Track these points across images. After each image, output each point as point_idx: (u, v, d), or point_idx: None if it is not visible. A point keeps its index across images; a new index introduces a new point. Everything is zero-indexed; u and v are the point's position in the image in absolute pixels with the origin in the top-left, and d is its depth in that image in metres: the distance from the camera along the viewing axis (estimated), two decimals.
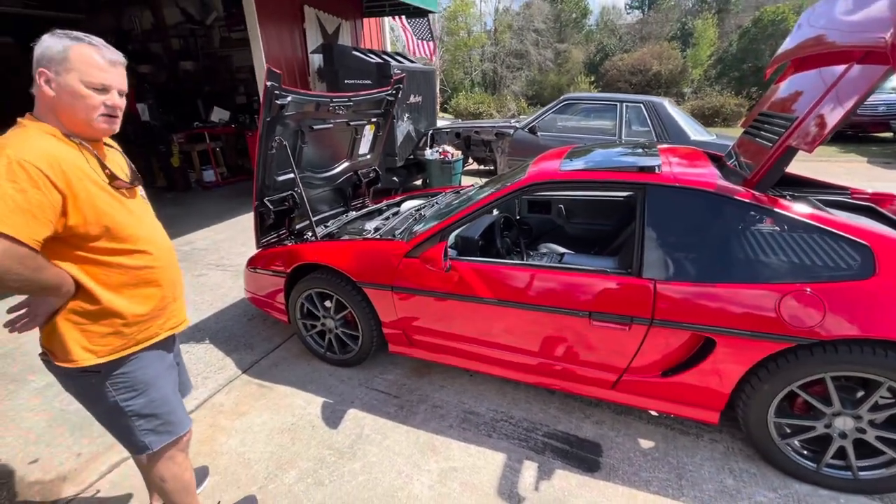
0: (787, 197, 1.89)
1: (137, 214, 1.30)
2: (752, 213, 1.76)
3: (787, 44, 2.19)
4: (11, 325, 1.21)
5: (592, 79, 20.52)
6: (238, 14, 6.38)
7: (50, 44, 1.12)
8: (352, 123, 3.15)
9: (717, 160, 2.39)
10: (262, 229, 2.85)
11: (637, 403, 2.06)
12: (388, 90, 3.29)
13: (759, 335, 1.67)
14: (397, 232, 2.62)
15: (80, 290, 1.19)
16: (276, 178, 2.76)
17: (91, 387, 1.29)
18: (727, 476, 1.88)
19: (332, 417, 2.31)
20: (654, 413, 2.23)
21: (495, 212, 2.71)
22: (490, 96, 20.08)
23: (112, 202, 1.20)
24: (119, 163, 1.34)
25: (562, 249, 2.70)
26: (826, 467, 1.77)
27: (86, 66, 1.14)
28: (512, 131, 6.31)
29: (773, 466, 1.88)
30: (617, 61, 19.72)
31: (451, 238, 2.33)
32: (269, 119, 2.41)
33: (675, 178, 1.90)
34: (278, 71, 2.30)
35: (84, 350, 1.22)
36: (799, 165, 2.75)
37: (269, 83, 2.27)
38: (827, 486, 1.79)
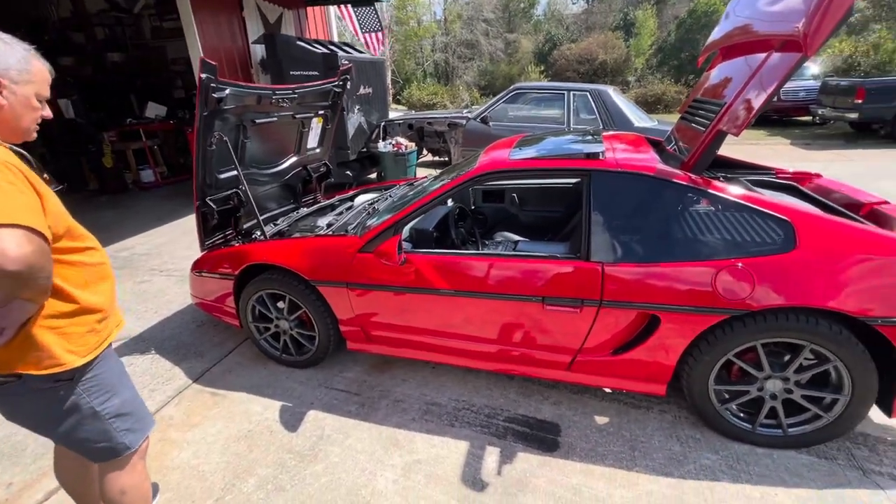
0: (721, 178, 2.01)
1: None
2: (690, 194, 1.85)
3: (716, 33, 2.31)
4: None
5: (542, 68, 20.83)
6: (169, 2, 5.96)
7: (1, 50, 1.06)
8: (297, 116, 3.04)
9: (657, 145, 2.50)
10: (206, 230, 2.71)
11: (591, 382, 2.14)
12: (334, 81, 3.19)
13: (698, 310, 1.78)
14: (350, 227, 2.56)
15: (55, 293, 1.15)
16: (218, 175, 2.63)
17: (60, 399, 1.23)
18: (675, 443, 2.00)
19: (292, 421, 2.25)
20: (607, 390, 2.32)
21: (450, 203, 2.71)
22: (443, 87, 19.98)
23: (61, 203, 1.19)
24: None
25: (516, 237, 2.75)
26: (760, 427, 1.92)
27: (42, 80, 1.15)
28: (465, 122, 6.32)
29: (715, 431, 2.02)
30: (565, 51, 20.10)
31: (406, 231, 2.31)
32: (206, 113, 2.28)
33: (617, 163, 1.97)
34: (213, 62, 2.17)
35: (68, 352, 1.18)
36: (731, 149, 2.94)
37: (203, 75, 2.15)
38: (762, 445, 1.94)
